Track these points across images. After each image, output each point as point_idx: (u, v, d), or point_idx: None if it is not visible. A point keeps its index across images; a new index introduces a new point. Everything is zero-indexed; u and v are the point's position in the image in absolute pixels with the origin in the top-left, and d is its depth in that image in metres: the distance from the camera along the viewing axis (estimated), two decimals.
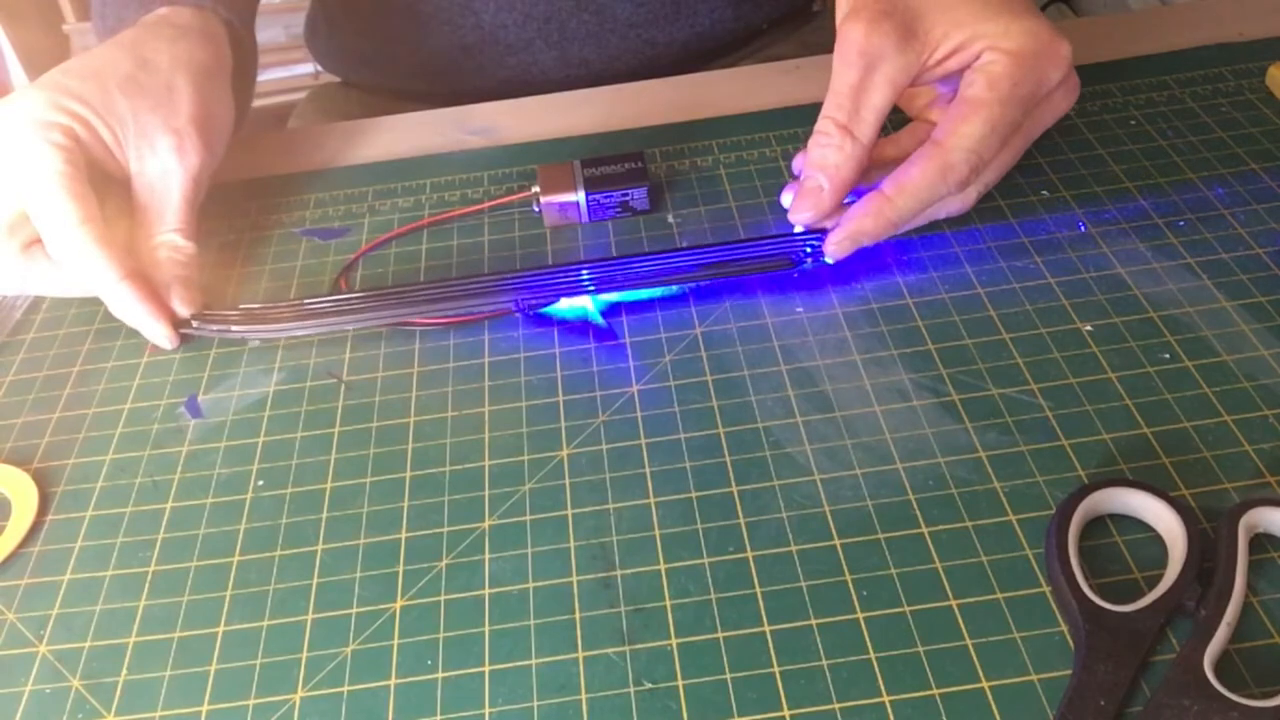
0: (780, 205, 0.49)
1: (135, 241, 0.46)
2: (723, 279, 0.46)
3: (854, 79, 0.42)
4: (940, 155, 0.42)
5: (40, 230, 0.44)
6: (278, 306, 0.46)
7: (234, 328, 0.46)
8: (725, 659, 0.33)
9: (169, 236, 0.47)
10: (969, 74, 0.42)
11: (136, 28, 0.50)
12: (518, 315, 0.46)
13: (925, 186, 0.42)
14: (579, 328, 0.45)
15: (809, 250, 0.45)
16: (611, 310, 0.46)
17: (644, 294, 0.46)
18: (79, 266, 0.44)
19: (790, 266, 0.46)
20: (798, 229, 0.46)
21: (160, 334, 0.45)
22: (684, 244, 0.49)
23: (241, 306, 0.47)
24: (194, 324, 0.46)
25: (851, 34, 0.42)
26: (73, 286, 0.46)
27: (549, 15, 0.66)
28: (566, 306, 0.46)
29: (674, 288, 0.46)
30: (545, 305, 0.45)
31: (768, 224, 0.49)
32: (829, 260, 0.45)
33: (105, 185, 0.46)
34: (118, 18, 0.53)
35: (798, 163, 0.46)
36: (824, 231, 0.45)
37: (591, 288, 0.45)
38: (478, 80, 0.69)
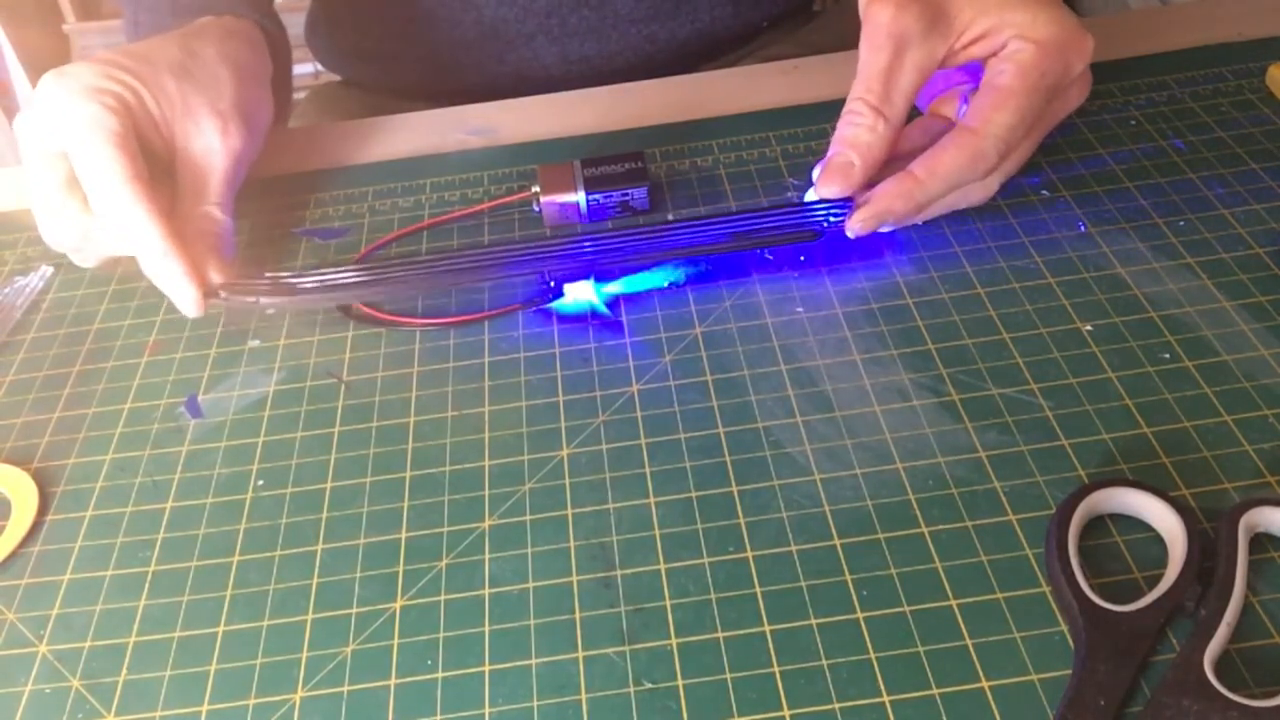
0: (784, 202, 0.48)
1: (174, 215, 0.47)
2: (744, 252, 0.46)
3: (883, 62, 0.42)
4: (973, 142, 0.42)
5: (86, 186, 0.44)
6: (305, 275, 0.46)
7: (262, 299, 0.46)
8: (725, 659, 0.33)
9: (207, 209, 0.47)
10: (996, 62, 0.43)
11: (184, 28, 0.52)
12: (550, 283, 0.46)
13: (956, 171, 0.42)
14: (580, 326, 0.45)
15: (830, 221, 0.45)
16: (612, 307, 0.46)
17: (647, 284, 0.46)
18: (123, 222, 0.44)
19: (815, 238, 0.45)
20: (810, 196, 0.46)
21: (189, 298, 0.45)
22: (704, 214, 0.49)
23: (268, 274, 0.47)
24: (222, 294, 0.46)
25: (879, 16, 0.42)
26: (124, 245, 0.46)
27: (549, 10, 0.66)
28: (570, 300, 0.46)
29: (680, 276, 0.46)
30: (575, 278, 0.46)
31: None
32: (850, 235, 0.45)
33: (149, 160, 0.47)
34: (154, 26, 0.54)
35: (818, 172, 0.46)
36: (847, 202, 0.44)
37: (594, 263, 0.45)
38: (478, 76, 0.69)
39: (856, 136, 0.43)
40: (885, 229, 0.46)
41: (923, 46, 0.42)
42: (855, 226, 0.44)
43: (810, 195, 0.46)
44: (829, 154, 0.44)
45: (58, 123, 0.45)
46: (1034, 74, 0.42)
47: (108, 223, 0.45)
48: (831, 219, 0.45)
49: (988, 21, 0.42)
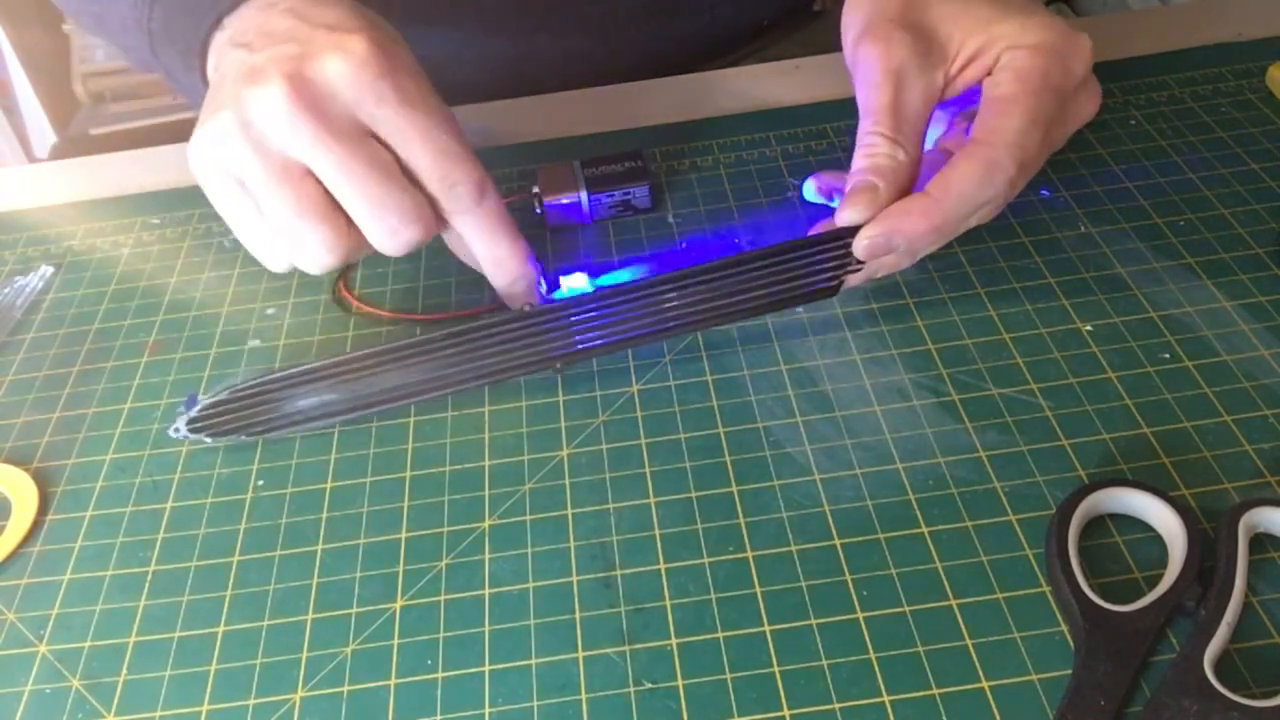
0: (780, 206, 0.49)
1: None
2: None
3: (887, 98, 0.40)
4: (984, 152, 0.39)
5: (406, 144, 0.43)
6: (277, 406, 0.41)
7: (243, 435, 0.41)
8: (725, 659, 0.33)
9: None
10: (992, 77, 0.41)
11: None
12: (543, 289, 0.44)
13: (972, 185, 0.39)
14: None
15: (845, 273, 0.41)
16: None
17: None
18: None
19: (832, 294, 0.42)
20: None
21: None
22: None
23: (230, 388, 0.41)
24: (187, 434, 0.41)
25: (871, 54, 0.40)
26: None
27: (551, 7, 0.66)
28: (566, 292, 0.46)
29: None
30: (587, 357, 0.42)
31: (767, 224, 0.49)
32: (860, 255, 0.40)
33: None
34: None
35: (810, 188, 0.45)
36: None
37: (594, 342, 0.41)
38: (478, 74, 0.69)
39: (877, 163, 0.40)
40: (905, 264, 0.42)
41: (922, 77, 0.40)
42: (864, 245, 0.39)
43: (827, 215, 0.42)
44: (849, 185, 0.40)
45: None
46: (1034, 76, 0.40)
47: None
48: (845, 269, 0.41)
49: (977, 41, 0.41)
